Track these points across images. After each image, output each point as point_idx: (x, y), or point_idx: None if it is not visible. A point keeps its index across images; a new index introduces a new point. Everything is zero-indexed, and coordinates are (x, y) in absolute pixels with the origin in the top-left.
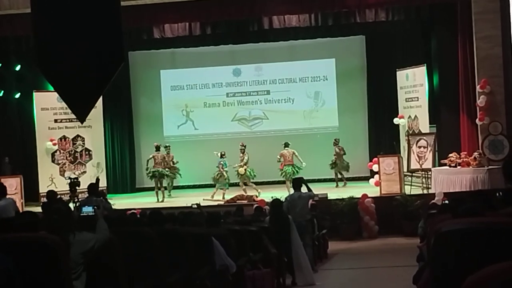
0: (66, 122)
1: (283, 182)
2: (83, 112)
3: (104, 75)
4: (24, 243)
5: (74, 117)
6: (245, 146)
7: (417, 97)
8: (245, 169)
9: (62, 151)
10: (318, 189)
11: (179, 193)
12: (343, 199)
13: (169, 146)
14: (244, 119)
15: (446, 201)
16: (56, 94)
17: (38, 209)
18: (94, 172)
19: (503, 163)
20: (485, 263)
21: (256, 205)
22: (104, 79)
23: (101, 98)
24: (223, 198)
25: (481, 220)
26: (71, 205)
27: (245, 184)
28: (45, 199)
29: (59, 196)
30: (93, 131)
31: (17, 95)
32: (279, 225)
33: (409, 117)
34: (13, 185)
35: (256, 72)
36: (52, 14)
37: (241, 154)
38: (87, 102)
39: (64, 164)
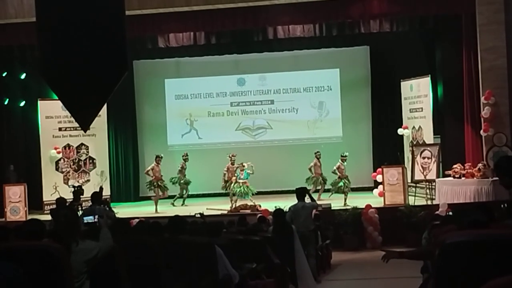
0: (71, 130)
1: (286, 192)
2: (86, 121)
3: (107, 84)
4: (27, 251)
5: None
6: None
7: (421, 108)
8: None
9: (66, 160)
10: (321, 200)
11: (180, 202)
12: (346, 209)
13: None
14: (248, 129)
15: (450, 212)
16: (60, 102)
17: (42, 217)
18: (98, 180)
19: (497, 159)
20: (491, 275)
21: (259, 215)
22: (108, 88)
23: (105, 107)
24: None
25: (486, 232)
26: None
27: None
28: (52, 207)
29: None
30: (97, 140)
31: (22, 103)
32: (283, 235)
33: (413, 127)
34: (17, 193)
35: (260, 81)
36: (56, 22)
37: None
38: (90, 111)
39: (68, 172)
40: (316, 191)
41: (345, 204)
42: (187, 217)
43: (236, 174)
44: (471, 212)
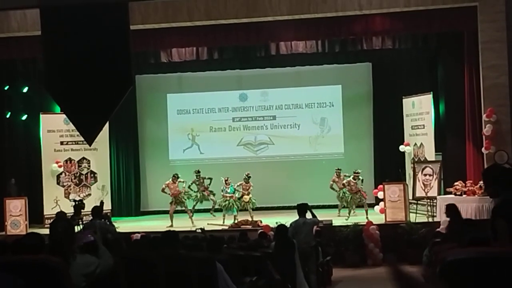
0: (72, 144)
1: (288, 208)
2: (91, 135)
3: (112, 99)
4: (28, 265)
5: (80, 139)
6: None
7: (423, 125)
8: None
9: (67, 173)
10: (322, 216)
11: (183, 217)
12: (347, 226)
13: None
14: (250, 144)
15: None
16: (63, 116)
17: (42, 231)
18: (99, 194)
19: (486, 167)
20: None
21: (260, 231)
22: (112, 103)
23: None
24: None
25: (487, 250)
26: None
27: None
28: (52, 220)
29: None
30: (99, 154)
31: (24, 117)
32: (285, 251)
33: (415, 144)
34: (18, 206)
35: (262, 97)
36: (61, 37)
37: (246, 183)
38: (96, 125)
39: (69, 186)
40: (345, 207)
41: (347, 218)
42: (188, 232)
43: (222, 188)
44: (472, 230)
